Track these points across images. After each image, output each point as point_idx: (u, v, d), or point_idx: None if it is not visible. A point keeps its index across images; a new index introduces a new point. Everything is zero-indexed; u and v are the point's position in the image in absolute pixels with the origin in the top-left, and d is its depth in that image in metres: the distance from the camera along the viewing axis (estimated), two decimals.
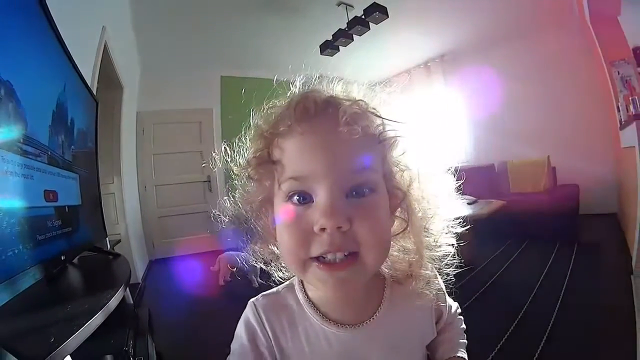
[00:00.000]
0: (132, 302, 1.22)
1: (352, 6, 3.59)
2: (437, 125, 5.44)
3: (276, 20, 3.70)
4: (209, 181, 4.68)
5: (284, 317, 0.44)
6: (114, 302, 0.79)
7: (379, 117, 0.39)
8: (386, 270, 0.47)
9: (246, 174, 0.43)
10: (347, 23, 3.69)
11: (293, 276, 0.48)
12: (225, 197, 0.47)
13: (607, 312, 1.69)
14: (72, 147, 1.23)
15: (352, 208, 0.35)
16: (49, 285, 0.84)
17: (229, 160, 0.45)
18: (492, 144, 4.71)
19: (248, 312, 0.45)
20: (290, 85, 0.46)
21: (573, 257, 2.65)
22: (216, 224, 0.47)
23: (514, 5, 3.68)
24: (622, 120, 3.18)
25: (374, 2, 3.37)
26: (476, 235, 2.99)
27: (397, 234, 0.44)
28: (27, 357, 0.48)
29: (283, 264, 0.47)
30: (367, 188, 0.37)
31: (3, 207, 0.67)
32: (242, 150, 0.45)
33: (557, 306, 1.84)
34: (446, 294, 0.53)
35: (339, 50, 4.20)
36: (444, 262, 0.45)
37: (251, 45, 4.30)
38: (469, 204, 3.25)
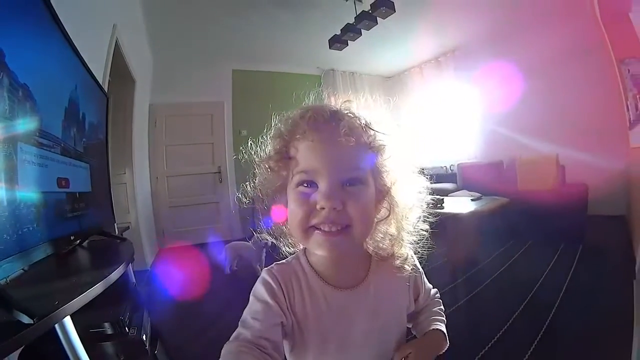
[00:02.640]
0: (134, 281, 1.35)
1: (360, 1, 3.64)
2: (446, 120, 5.48)
3: (286, 14, 3.77)
4: (220, 172, 4.79)
5: (293, 280, 0.55)
6: (114, 276, 0.91)
7: (371, 129, 0.51)
8: (371, 249, 0.58)
9: (268, 166, 0.54)
10: (355, 17, 3.73)
11: (297, 251, 0.61)
12: (246, 183, 0.59)
13: (605, 316, 1.69)
14: (84, 139, 1.35)
15: (345, 194, 0.48)
16: (60, 260, 0.96)
17: (252, 152, 0.57)
18: (502, 140, 4.70)
19: (266, 276, 0.55)
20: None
21: (577, 257, 2.64)
22: (239, 204, 0.60)
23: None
24: (632, 119, 3.13)
25: None
26: (479, 231, 3.04)
27: (383, 219, 0.56)
28: (33, 314, 0.59)
29: (290, 241, 0.59)
30: (358, 181, 0.49)
31: (22, 191, 0.79)
32: (263, 145, 0.56)
33: (555, 306, 1.86)
34: (424, 277, 0.65)
35: (347, 45, 4.24)
36: (419, 244, 0.58)
37: (262, 40, 4.38)
38: (472, 200, 3.28)
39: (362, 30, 3.86)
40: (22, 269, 0.73)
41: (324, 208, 0.47)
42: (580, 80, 3.92)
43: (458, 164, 4.93)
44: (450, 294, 2.23)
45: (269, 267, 0.57)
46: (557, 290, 2.06)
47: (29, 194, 0.82)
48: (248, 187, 0.58)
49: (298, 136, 0.50)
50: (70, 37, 1.19)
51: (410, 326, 0.66)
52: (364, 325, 0.55)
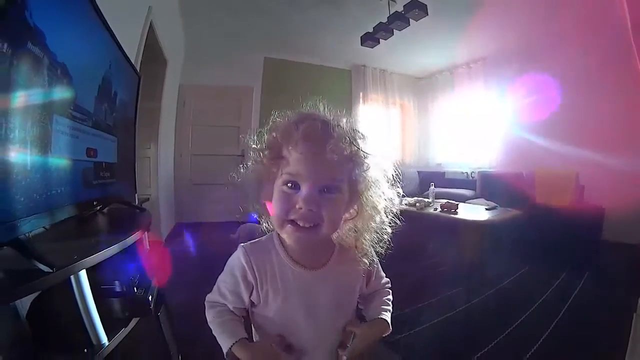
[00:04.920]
0: (148, 248, 1.46)
1: (394, 0, 3.64)
2: (472, 126, 5.40)
3: (321, 7, 3.82)
4: (243, 156, 4.91)
5: (266, 259, 0.65)
6: (130, 240, 1.02)
7: (354, 145, 0.59)
8: (335, 238, 0.68)
9: (262, 160, 0.63)
10: (388, 17, 3.74)
11: (273, 230, 0.70)
12: (240, 165, 0.67)
13: (598, 345, 1.68)
14: (114, 114, 1.46)
15: (322, 199, 0.57)
16: (81, 222, 1.07)
17: (252, 145, 0.65)
18: (525, 151, 4.61)
19: (240, 254, 0.66)
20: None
21: (582, 280, 2.59)
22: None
23: (557, 14, 3.58)
24: None
25: None
26: (488, 241, 3.02)
27: (351, 218, 0.66)
28: (52, 265, 0.69)
29: (269, 220, 0.68)
30: (335, 189, 0.58)
31: (54, 157, 0.89)
32: (262, 139, 0.64)
33: (551, 327, 1.85)
34: (380, 267, 0.76)
35: (379, 43, 4.26)
36: (379, 244, 0.67)
37: (295, 30, 4.46)
38: (487, 209, 3.27)
39: (394, 30, 3.87)
40: (45, 227, 0.84)
41: (301, 208, 0.56)
42: (611, 97, 3.76)
43: (479, 172, 4.87)
44: (448, 300, 2.26)
45: (244, 246, 0.67)
46: (556, 311, 2.04)
47: (59, 160, 0.92)
48: (241, 169, 0.67)
49: (290, 146, 0.58)
50: (107, 18, 1.29)
51: (362, 308, 0.76)
52: (325, 302, 0.66)
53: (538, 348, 1.67)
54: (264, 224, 0.70)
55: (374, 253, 0.69)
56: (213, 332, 0.66)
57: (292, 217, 0.58)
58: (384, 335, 0.70)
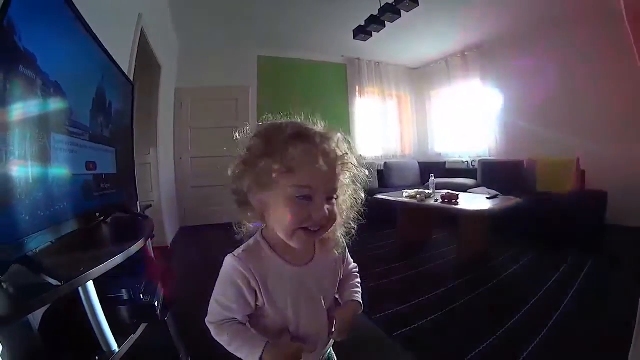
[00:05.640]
0: (152, 255, 1.49)
1: None
2: (470, 115, 5.39)
3: (312, 2, 3.82)
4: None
5: (261, 262, 0.68)
6: (134, 249, 1.04)
7: (349, 162, 0.67)
8: None
9: (271, 174, 0.63)
10: (379, 9, 3.73)
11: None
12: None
13: (605, 329, 1.69)
14: (110, 125, 1.48)
15: (328, 206, 0.63)
16: (85, 234, 1.09)
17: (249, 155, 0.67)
18: (525, 138, 4.61)
19: (234, 264, 0.66)
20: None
21: (587, 266, 2.58)
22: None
23: None
24: None
25: None
26: (490, 230, 3.03)
27: None
28: (60, 277, 0.72)
29: (242, 225, 0.72)
30: (335, 196, 0.65)
31: (54, 174, 0.92)
32: (264, 150, 0.65)
33: (558, 312, 1.86)
34: (349, 255, 0.84)
35: (371, 36, 4.25)
36: (346, 237, 0.75)
37: (287, 27, 4.46)
38: (488, 198, 3.27)
39: (385, 22, 3.85)
40: (50, 241, 0.86)
41: (316, 217, 0.62)
42: (613, 83, 3.74)
43: (479, 160, 4.88)
44: (453, 291, 2.27)
45: (237, 255, 0.68)
46: (562, 297, 2.06)
47: (60, 176, 0.95)
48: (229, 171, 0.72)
49: (306, 164, 0.61)
50: (97, 28, 1.29)
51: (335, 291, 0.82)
52: (318, 292, 0.73)
53: (545, 333, 1.68)
54: (235, 228, 0.72)
55: (344, 242, 0.76)
56: (230, 349, 0.67)
57: (305, 225, 0.63)
58: (358, 313, 0.80)
